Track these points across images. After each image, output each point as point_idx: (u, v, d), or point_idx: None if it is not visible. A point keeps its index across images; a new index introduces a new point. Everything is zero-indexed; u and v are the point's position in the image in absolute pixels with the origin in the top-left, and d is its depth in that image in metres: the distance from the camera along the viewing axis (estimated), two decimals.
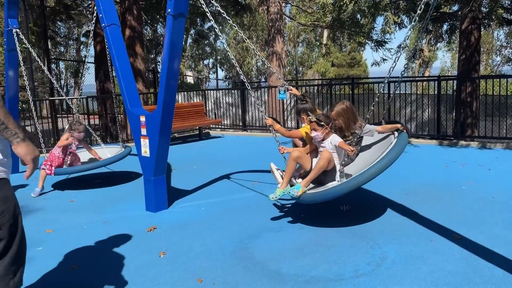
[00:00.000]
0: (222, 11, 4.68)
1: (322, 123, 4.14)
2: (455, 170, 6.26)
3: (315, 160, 4.30)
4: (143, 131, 4.78)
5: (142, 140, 4.81)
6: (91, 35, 7.84)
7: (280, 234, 3.98)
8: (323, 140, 4.22)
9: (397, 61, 3.87)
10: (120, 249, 3.77)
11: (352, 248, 3.55)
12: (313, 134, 4.21)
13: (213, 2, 4.49)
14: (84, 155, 6.46)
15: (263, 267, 3.27)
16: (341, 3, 10.58)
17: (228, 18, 4.90)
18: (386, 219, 4.25)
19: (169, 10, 4.28)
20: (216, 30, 4.37)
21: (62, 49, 33.64)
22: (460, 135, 8.96)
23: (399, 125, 4.30)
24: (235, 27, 4.76)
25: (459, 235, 3.72)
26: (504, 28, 31.68)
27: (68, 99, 7.42)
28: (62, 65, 34.04)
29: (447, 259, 3.26)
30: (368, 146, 4.61)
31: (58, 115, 12.28)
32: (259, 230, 4.08)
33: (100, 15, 5.02)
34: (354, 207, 4.65)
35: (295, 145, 4.95)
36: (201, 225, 4.30)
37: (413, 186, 5.37)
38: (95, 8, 5.18)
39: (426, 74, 37.15)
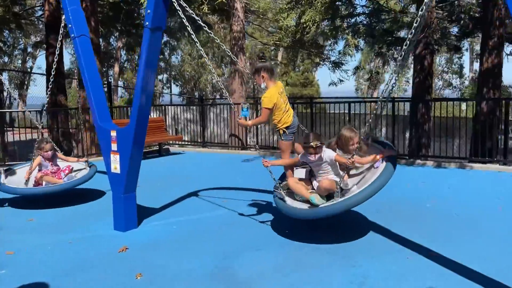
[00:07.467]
0: (202, 24, 4.61)
1: (319, 144, 4.13)
2: (416, 188, 6.48)
3: (315, 183, 4.40)
4: (114, 146, 4.59)
5: (112, 155, 4.61)
6: (54, 45, 7.51)
7: (259, 253, 3.92)
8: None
9: (390, 84, 3.86)
10: (92, 271, 3.56)
11: (333, 267, 3.55)
12: (311, 158, 4.18)
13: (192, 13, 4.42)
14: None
15: None
16: (304, 26, 10.86)
17: (206, 29, 4.70)
18: (362, 236, 4.30)
19: (147, 23, 4.19)
20: (193, 37, 4.39)
21: (6, 59, 32.00)
22: (416, 154, 9.33)
23: (378, 157, 4.16)
24: (210, 34, 4.69)
25: (434, 252, 3.83)
26: (445, 54, 33.80)
27: (28, 111, 7.07)
28: (5, 75, 32.34)
29: (425, 276, 3.34)
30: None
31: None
32: (237, 249, 4.00)
33: (69, 25, 4.81)
34: (329, 223, 4.68)
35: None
36: (175, 245, 4.16)
37: (381, 203, 5.47)
38: (64, 18, 4.98)
39: (375, 95, 38.64)
